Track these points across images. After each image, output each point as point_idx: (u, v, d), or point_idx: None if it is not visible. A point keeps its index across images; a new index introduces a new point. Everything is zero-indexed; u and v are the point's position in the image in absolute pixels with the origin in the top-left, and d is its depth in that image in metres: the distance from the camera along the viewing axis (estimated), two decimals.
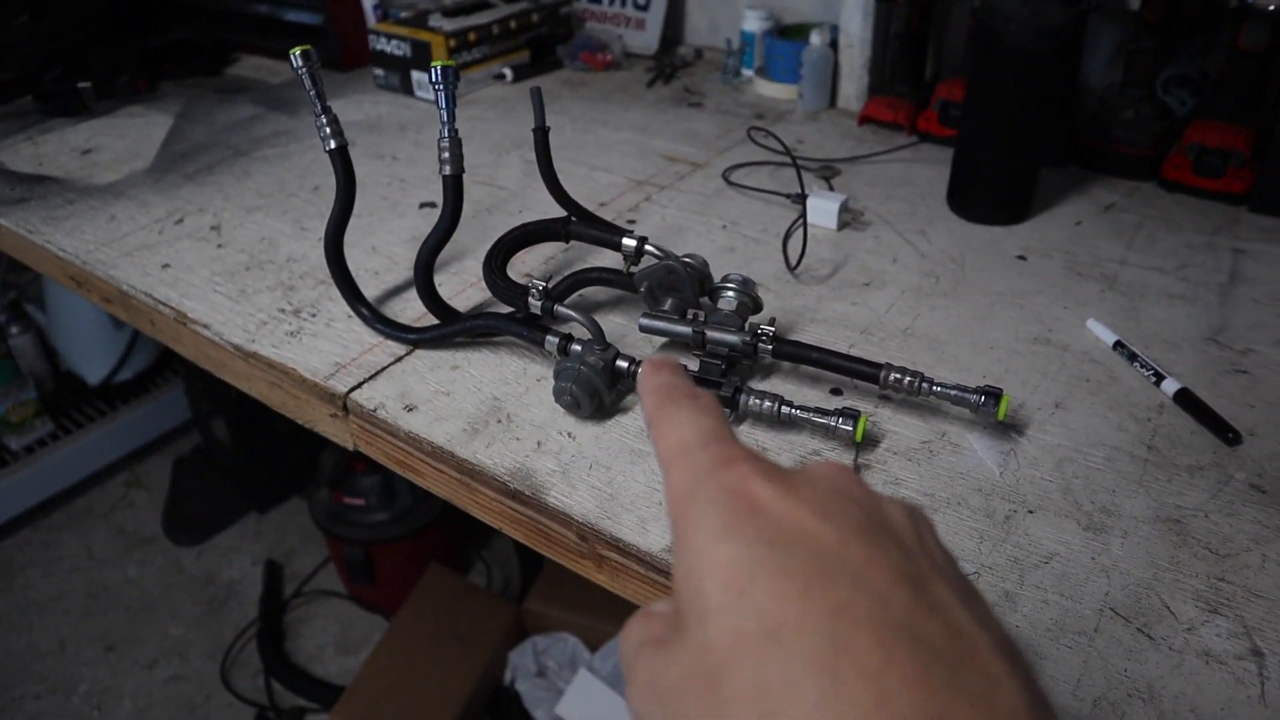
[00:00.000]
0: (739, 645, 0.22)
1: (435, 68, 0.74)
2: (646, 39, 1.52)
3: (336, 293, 0.87)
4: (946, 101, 1.13)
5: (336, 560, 2.01)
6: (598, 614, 1.62)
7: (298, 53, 0.75)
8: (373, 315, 0.82)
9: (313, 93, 0.76)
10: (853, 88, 1.27)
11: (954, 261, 0.90)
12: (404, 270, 0.92)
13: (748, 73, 1.42)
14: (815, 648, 0.21)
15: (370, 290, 0.88)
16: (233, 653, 1.96)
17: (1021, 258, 0.90)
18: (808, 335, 0.79)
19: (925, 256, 0.91)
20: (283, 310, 0.87)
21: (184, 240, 1.01)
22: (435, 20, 1.38)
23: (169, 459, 2.44)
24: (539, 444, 0.68)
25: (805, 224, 0.92)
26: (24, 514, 2.25)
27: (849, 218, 0.96)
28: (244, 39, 1.66)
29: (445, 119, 0.75)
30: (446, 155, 0.76)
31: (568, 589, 1.67)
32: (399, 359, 0.78)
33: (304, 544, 2.21)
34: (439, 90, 0.74)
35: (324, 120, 0.78)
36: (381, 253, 0.96)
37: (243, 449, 2.17)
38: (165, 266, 0.96)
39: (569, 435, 0.68)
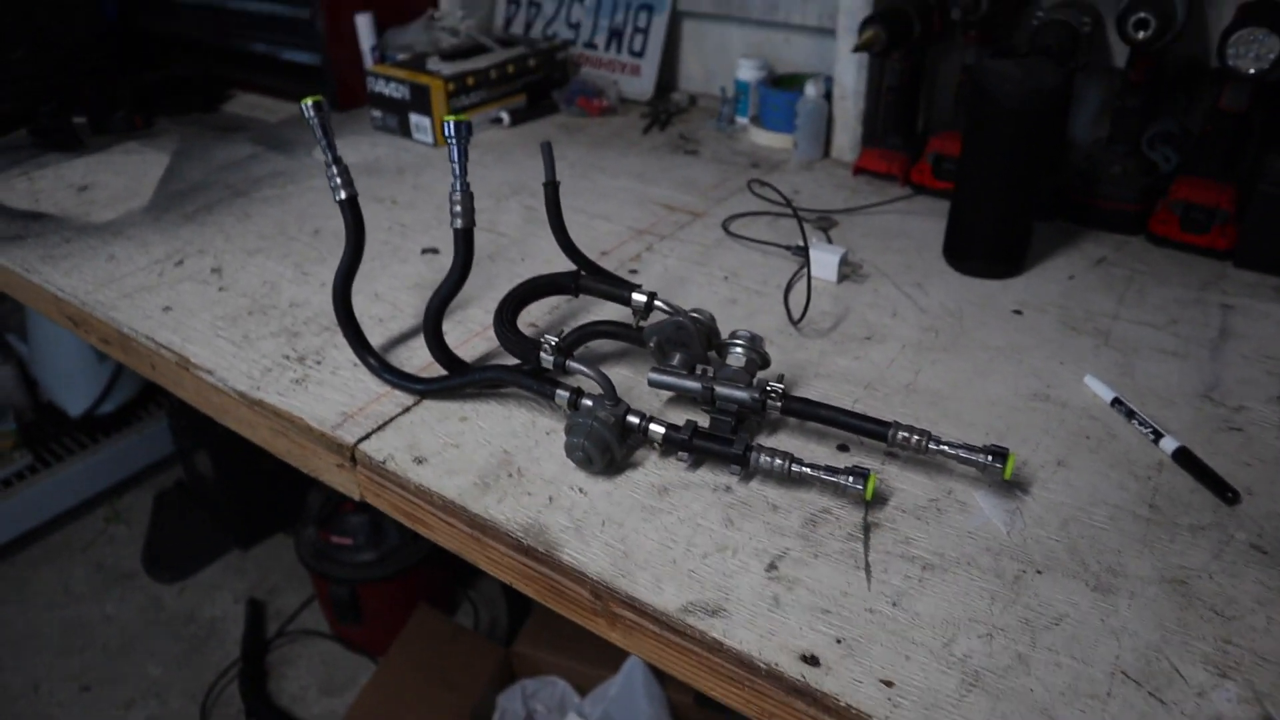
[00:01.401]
0: None
1: (448, 122, 0.75)
2: (642, 85, 1.54)
3: (341, 340, 0.87)
4: (940, 155, 1.16)
5: (322, 599, 1.99)
6: (587, 658, 1.61)
7: (309, 103, 0.75)
8: (380, 365, 0.82)
9: (324, 142, 0.77)
10: (847, 139, 1.29)
11: (952, 316, 0.91)
12: (408, 317, 0.93)
13: (742, 120, 1.44)
14: None
15: (375, 338, 0.88)
16: (213, 693, 1.93)
17: (1018, 312, 0.92)
18: (812, 390, 0.80)
19: (924, 310, 0.92)
20: (287, 357, 0.87)
21: (185, 283, 1.01)
22: (434, 64, 1.40)
23: (150, 493, 2.40)
24: (550, 499, 0.68)
25: (809, 277, 0.93)
26: (2, 547, 2.21)
27: (848, 270, 0.98)
28: (241, 76, 1.67)
29: (457, 172, 0.76)
30: (459, 208, 0.76)
31: (557, 632, 1.66)
32: (407, 409, 0.79)
33: (288, 582, 2.18)
34: (451, 144, 0.75)
35: (335, 170, 0.79)
36: (385, 299, 0.97)
37: (227, 483, 2.14)
38: (166, 309, 0.96)
39: (580, 491, 0.69)
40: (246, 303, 0.97)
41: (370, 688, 1.65)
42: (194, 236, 1.12)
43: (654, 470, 0.71)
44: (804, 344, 0.87)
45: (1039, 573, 0.61)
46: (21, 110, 1.47)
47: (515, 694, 1.61)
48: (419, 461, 0.72)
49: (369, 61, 1.54)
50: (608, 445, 0.68)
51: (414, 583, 1.87)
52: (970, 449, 0.66)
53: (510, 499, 0.68)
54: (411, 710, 1.59)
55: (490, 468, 0.71)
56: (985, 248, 0.99)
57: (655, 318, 0.79)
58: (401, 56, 1.49)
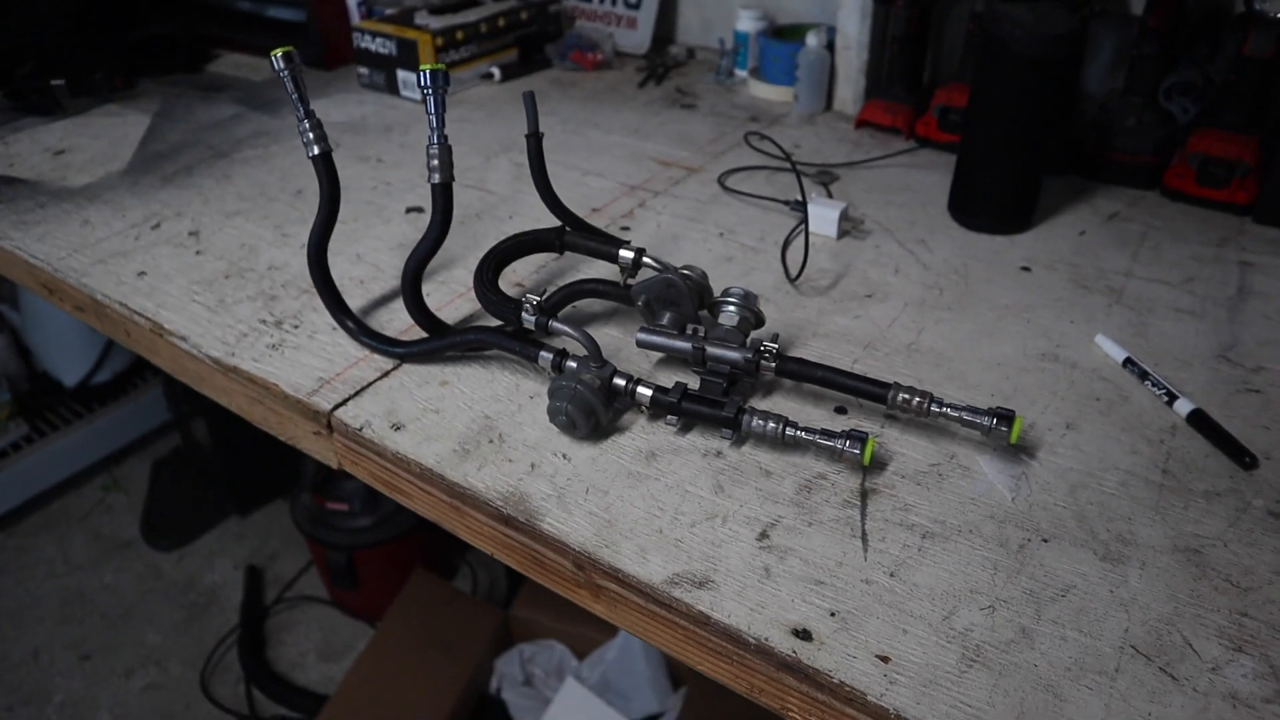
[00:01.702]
0: None
1: (424, 71, 0.71)
2: (638, 38, 1.49)
3: (320, 303, 0.84)
4: (946, 107, 1.11)
5: (319, 565, 1.97)
6: (585, 622, 1.59)
7: (279, 54, 0.71)
8: (359, 328, 0.79)
9: (295, 96, 0.73)
10: (849, 91, 1.25)
11: (957, 273, 0.87)
12: (390, 279, 0.89)
13: (741, 73, 1.39)
14: None
15: (355, 301, 0.85)
16: (213, 660, 1.92)
17: (1026, 269, 0.88)
18: (809, 350, 0.77)
19: (928, 267, 0.88)
20: (264, 321, 0.84)
21: (161, 246, 0.98)
22: (421, 18, 1.35)
23: (148, 461, 2.39)
24: (533, 466, 0.65)
25: (807, 233, 0.89)
26: (1, 517, 2.21)
27: (849, 226, 0.94)
28: (225, 35, 1.62)
29: (434, 124, 0.72)
30: (436, 163, 0.73)
31: (554, 595, 1.64)
32: (385, 374, 0.75)
33: (286, 548, 2.17)
34: (428, 95, 0.71)
35: (307, 125, 0.75)
36: (367, 260, 0.93)
37: (223, 451, 2.13)
38: (141, 274, 0.93)
39: (564, 457, 0.66)
40: (224, 266, 0.93)
41: (368, 653, 1.63)
42: (172, 199, 1.08)
43: (641, 435, 0.68)
44: (801, 302, 0.83)
45: (1045, 541, 0.57)
46: None
47: (513, 658, 1.60)
48: (396, 428, 0.69)
49: (355, 17, 1.49)
50: (592, 409, 0.65)
51: (410, 547, 1.85)
52: (974, 411, 0.62)
53: (490, 466, 0.65)
54: (409, 675, 1.57)
55: (471, 434, 0.68)
56: (992, 202, 0.95)
57: (645, 275, 0.75)
58: (389, 11, 1.44)
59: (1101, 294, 0.84)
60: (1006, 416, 0.61)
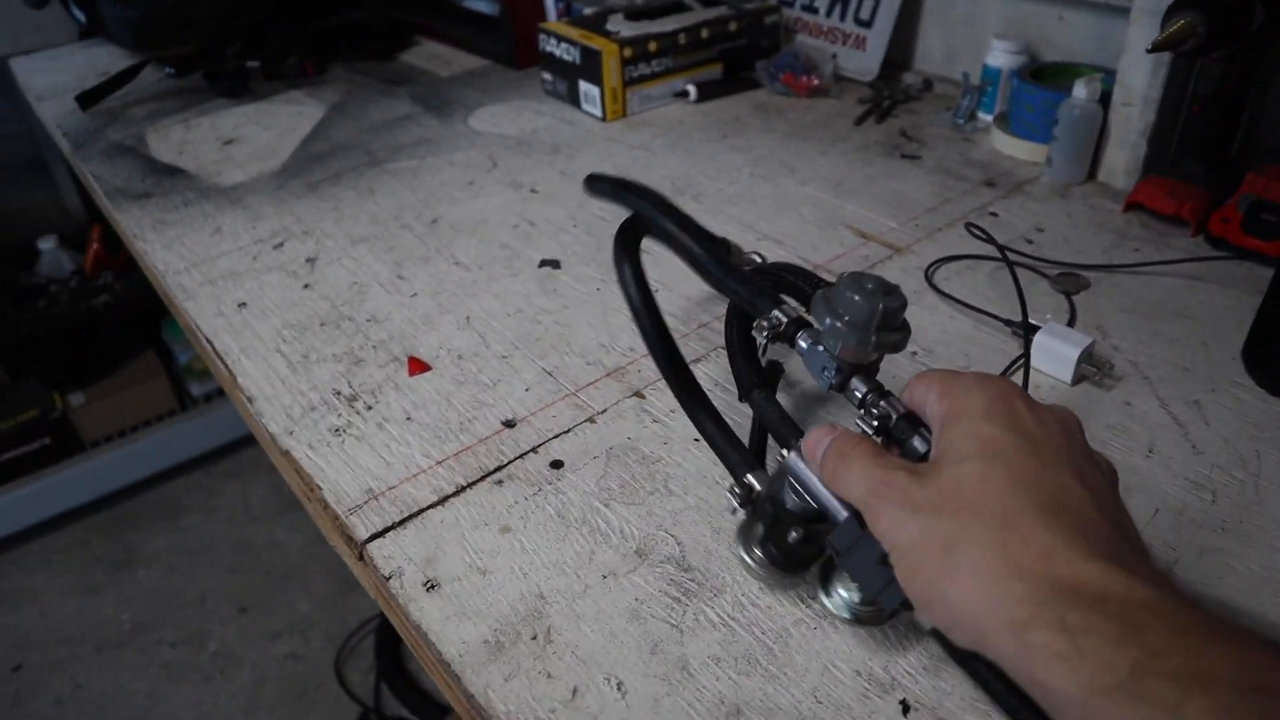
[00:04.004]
0: (988, 482, 0.37)
1: None
2: (865, 62, 1.26)
3: (404, 379, 0.71)
4: (1259, 200, 0.82)
5: None
6: None
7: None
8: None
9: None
10: (1122, 159, 0.97)
11: (1243, 467, 0.61)
12: (492, 357, 0.74)
13: (984, 117, 1.14)
14: (1044, 495, 0.36)
15: (445, 382, 0.70)
16: (350, 643, 1.91)
17: None
18: None
19: (1199, 450, 0.63)
20: (338, 394, 0.71)
21: (273, 273, 0.88)
22: (614, 23, 1.19)
23: None
24: (575, 692, 0.48)
25: (1027, 370, 0.66)
26: (196, 458, 2.31)
27: (1093, 370, 0.69)
28: (421, 23, 1.54)
29: None
30: None
31: None
32: (443, 499, 0.60)
33: None
34: None
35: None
36: (475, 327, 0.78)
37: None
38: (241, 305, 0.83)
39: (618, 687, 0.48)
40: (325, 308, 0.82)
41: None
42: (306, 213, 0.99)
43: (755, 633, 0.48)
44: None
45: None
46: (205, 53, 1.41)
47: None
48: (431, 587, 0.54)
49: (552, 15, 1.36)
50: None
51: None
52: None
53: (522, 678, 0.48)
54: None
55: (513, 617, 0.52)
56: None
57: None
58: (587, 11, 1.29)
59: None
60: None
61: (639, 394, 0.69)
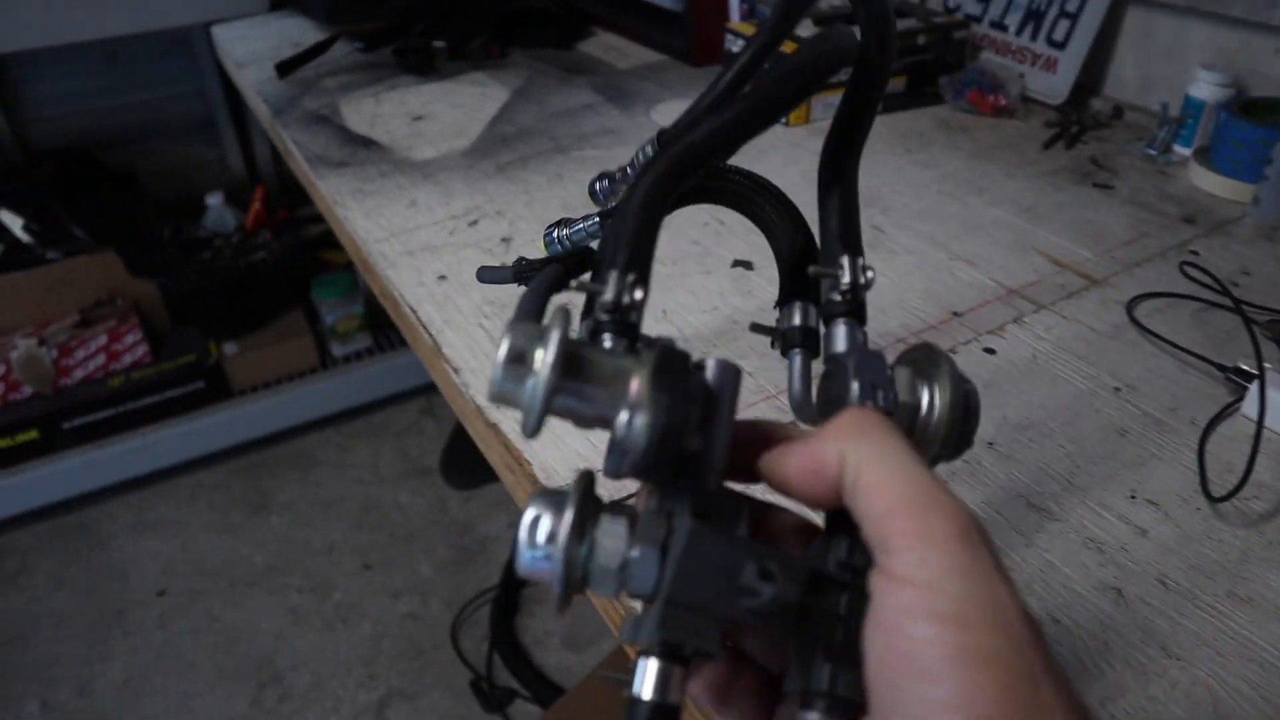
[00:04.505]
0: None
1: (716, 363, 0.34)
2: (1055, 84, 1.23)
3: None
4: None
5: None
6: None
7: None
8: None
9: None
10: None
11: None
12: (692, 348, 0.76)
13: (1183, 151, 1.10)
14: None
15: None
16: (467, 610, 1.97)
17: None
18: (1211, 619, 0.53)
19: None
20: None
21: (470, 249, 0.92)
22: (805, 29, 1.19)
23: None
24: None
25: (1260, 424, 0.64)
26: (333, 415, 2.41)
27: None
28: (600, 14, 1.57)
29: None
30: None
31: None
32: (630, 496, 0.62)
33: None
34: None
35: None
36: (672, 319, 0.80)
37: None
38: (441, 278, 0.87)
39: None
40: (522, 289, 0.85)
41: (612, 659, 1.56)
42: (498, 193, 1.03)
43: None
44: (1218, 531, 0.59)
45: None
46: (393, 29, 1.47)
47: None
48: None
49: (735, 14, 1.37)
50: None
51: None
52: None
53: None
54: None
55: None
56: None
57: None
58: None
59: None
60: None
61: None
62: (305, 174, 1.14)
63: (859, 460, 0.28)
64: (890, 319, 0.80)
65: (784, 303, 0.43)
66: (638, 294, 0.32)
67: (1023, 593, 0.50)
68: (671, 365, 0.29)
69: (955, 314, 0.80)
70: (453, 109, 1.27)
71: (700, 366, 0.31)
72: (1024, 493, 0.62)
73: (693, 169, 0.35)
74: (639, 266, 0.32)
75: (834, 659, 0.29)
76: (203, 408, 2.17)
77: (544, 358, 0.28)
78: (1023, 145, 1.14)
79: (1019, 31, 1.28)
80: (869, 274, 0.39)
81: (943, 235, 0.93)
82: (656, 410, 0.28)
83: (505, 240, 0.93)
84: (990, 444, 0.66)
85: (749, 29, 1.21)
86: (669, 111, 1.23)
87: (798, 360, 0.41)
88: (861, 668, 0.27)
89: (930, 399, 0.33)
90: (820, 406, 0.37)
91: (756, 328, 0.42)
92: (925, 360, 0.35)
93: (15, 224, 2.11)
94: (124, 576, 2.00)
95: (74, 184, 2.23)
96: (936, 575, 0.25)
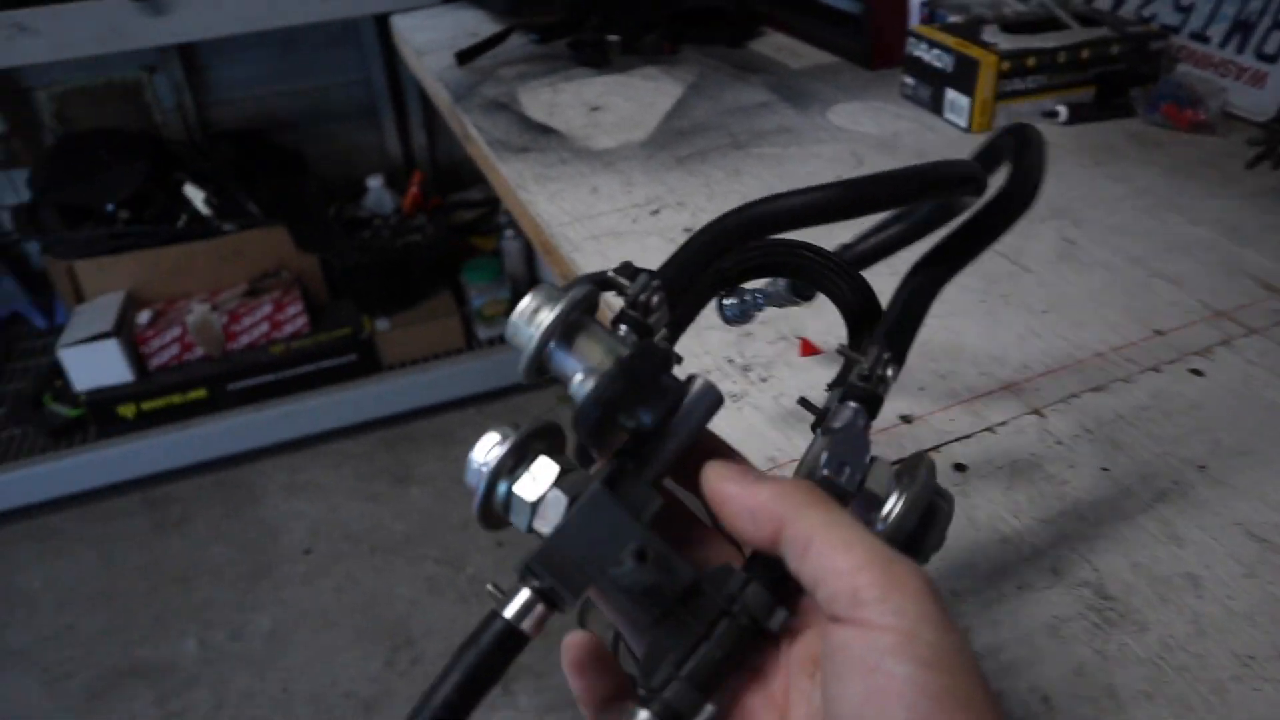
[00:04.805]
0: None
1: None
2: (1260, 99, 1.17)
3: (795, 358, 0.73)
4: None
5: None
6: None
7: None
8: None
9: None
10: None
11: None
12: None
13: None
14: None
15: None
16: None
17: None
18: None
19: None
20: (730, 361, 0.75)
21: (653, 237, 0.94)
22: (990, 34, 1.17)
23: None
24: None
25: None
26: (475, 395, 2.49)
27: None
28: (773, 13, 1.57)
29: None
30: None
31: None
32: None
33: None
34: None
35: None
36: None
37: None
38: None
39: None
40: None
41: None
42: (678, 184, 1.04)
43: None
44: None
45: None
46: (567, 22, 1.51)
47: None
48: None
49: (915, 18, 1.34)
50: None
51: None
52: None
53: None
54: None
55: None
56: None
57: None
58: (953, 19, 1.27)
59: None
60: None
61: (1038, 412, 0.68)
62: (486, 158, 1.18)
63: (810, 527, 0.30)
64: (1087, 332, 0.77)
65: (837, 385, 0.41)
66: (655, 299, 0.37)
67: (1243, 628, 0.49)
68: (646, 358, 0.33)
69: (1158, 332, 0.77)
70: (627, 101, 1.29)
71: (691, 379, 0.36)
72: (1242, 521, 0.59)
73: (764, 230, 0.40)
74: (663, 275, 0.38)
75: (682, 672, 0.31)
76: (354, 379, 2.28)
77: (547, 316, 0.33)
78: (1224, 163, 1.08)
79: (1223, 43, 1.21)
80: (889, 373, 0.39)
81: (1140, 251, 0.89)
82: (601, 380, 0.32)
83: (688, 231, 0.94)
84: (1201, 468, 0.63)
85: (932, 33, 1.19)
86: (845, 113, 1.22)
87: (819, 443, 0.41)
88: (709, 694, 0.30)
89: (898, 496, 0.34)
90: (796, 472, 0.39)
91: (804, 403, 0.42)
92: (911, 463, 0.36)
93: (197, 197, 2.26)
94: (274, 533, 2.12)
95: (249, 163, 2.38)
96: (912, 621, 0.27)
